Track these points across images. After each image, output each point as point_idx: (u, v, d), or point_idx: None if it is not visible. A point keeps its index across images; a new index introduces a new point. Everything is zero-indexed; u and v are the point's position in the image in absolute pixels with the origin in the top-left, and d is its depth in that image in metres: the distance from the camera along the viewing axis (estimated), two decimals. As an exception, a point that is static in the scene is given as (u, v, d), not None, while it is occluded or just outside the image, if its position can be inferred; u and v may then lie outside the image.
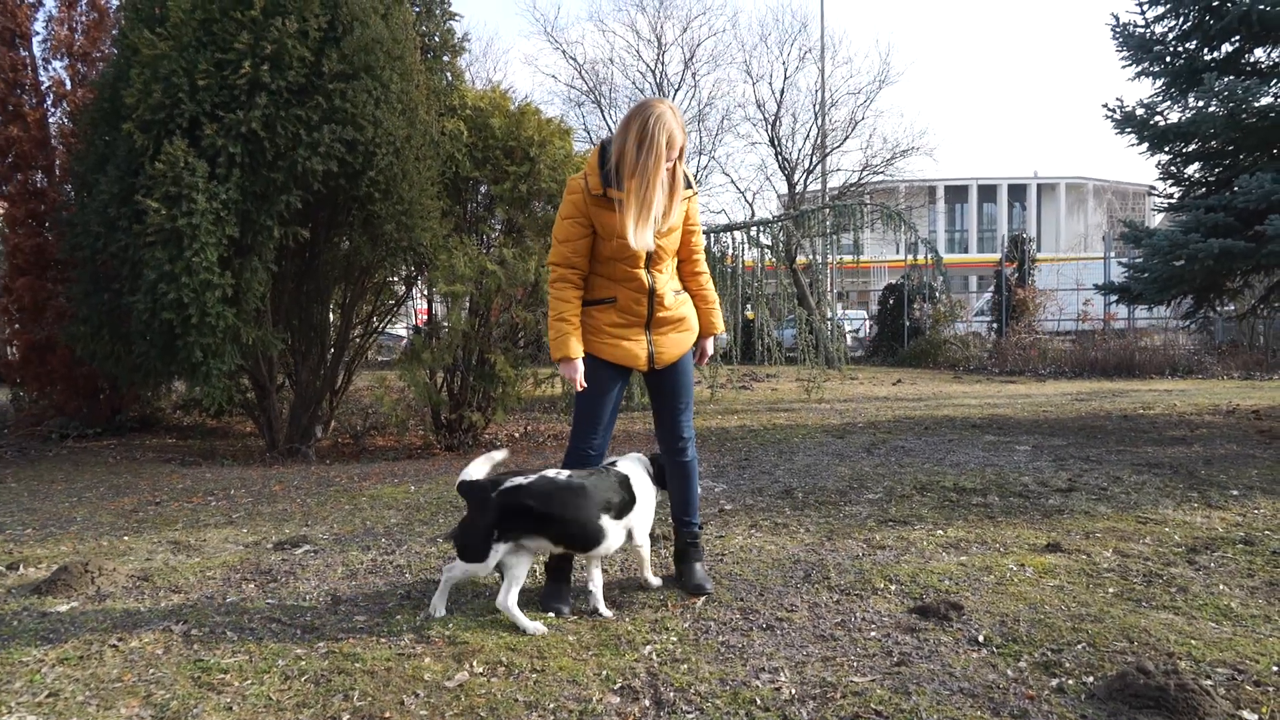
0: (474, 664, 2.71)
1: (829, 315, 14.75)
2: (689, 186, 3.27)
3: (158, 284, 6.01)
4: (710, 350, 3.52)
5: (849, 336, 21.33)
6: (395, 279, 8.96)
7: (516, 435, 8.65)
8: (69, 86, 8.92)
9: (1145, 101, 8.79)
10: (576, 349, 3.20)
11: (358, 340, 8.88)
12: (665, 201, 3.14)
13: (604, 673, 2.64)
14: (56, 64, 8.96)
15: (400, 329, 17.09)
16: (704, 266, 3.48)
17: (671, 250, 3.28)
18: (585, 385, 3.24)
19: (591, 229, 3.18)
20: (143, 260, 6.13)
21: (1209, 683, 2.44)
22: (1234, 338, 16.89)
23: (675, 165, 3.13)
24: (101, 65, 8.50)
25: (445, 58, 8.28)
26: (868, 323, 23.84)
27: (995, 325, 19.43)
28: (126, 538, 4.49)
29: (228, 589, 3.54)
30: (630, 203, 3.05)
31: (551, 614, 3.13)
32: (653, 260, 3.21)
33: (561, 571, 3.29)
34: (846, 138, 26.53)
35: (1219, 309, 12.05)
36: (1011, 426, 8.19)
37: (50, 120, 8.93)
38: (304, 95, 6.36)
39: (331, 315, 8.47)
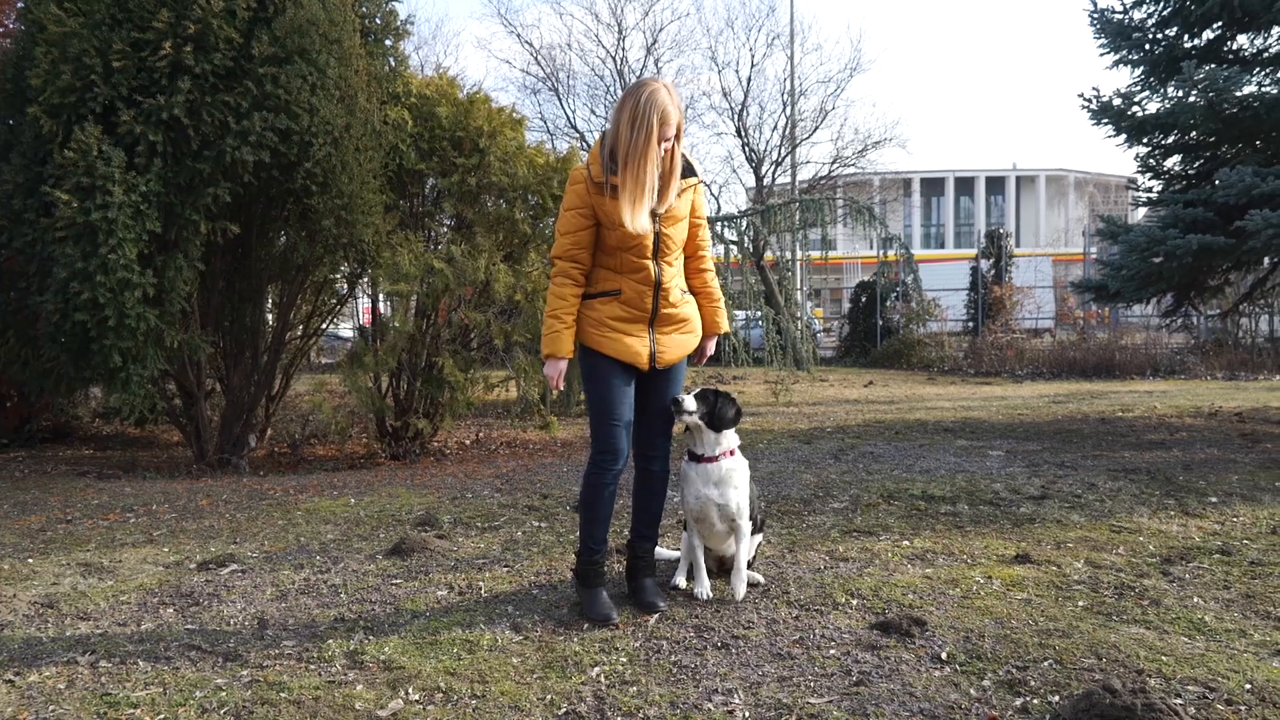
0: (410, 690, 2.68)
1: (798, 314, 14.83)
2: (692, 174, 3.33)
3: (69, 283, 5.87)
4: (710, 350, 3.58)
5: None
6: (337, 277, 8.85)
7: (467, 443, 8.60)
8: (-35, 65, 8.66)
9: (1123, 91, 8.94)
10: (567, 347, 3.24)
11: (296, 342, 8.76)
12: (659, 180, 3.19)
13: (548, 697, 2.63)
14: (-49, 39, 8.71)
15: (346, 330, 16.84)
16: (709, 264, 3.55)
17: (679, 242, 3.34)
18: (559, 388, 3.28)
19: (595, 219, 3.23)
20: (52, 256, 5.99)
21: (1178, 701, 2.49)
22: (1218, 337, 17.23)
23: (674, 146, 3.19)
24: (6, 42, 8.27)
25: (388, 41, 8.17)
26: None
27: (970, 324, 19.72)
28: (31, 560, 4.37)
29: (143, 614, 3.47)
30: (625, 184, 3.11)
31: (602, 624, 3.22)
32: (660, 251, 3.26)
33: (598, 575, 3.36)
34: (816, 128, 26.56)
35: (1201, 307, 12.31)
36: (985, 431, 8.31)
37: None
38: (232, 80, 6.26)
39: (269, 316, 8.35)
